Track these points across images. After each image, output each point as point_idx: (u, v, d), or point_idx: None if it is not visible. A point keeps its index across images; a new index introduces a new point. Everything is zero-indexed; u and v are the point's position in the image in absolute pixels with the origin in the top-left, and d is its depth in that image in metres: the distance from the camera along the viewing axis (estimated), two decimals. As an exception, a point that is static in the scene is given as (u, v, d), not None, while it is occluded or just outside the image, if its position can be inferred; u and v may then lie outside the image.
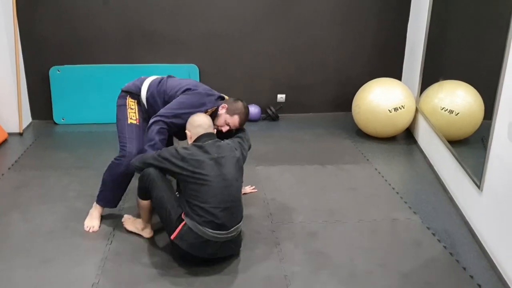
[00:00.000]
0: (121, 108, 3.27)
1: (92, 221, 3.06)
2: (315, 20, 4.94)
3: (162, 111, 2.97)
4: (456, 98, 3.82)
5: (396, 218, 3.20)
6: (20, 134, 4.64)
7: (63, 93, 4.86)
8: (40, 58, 4.79)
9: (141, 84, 3.25)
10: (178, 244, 2.56)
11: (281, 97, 5.19)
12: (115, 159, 3.06)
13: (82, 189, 3.54)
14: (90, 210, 3.11)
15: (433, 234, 3.01)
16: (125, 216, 3.09)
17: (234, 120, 3.00)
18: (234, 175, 2.65)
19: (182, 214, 2.58)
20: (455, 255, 2.82)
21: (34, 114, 4.97)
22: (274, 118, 5.08)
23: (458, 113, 3.70)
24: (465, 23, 3.78)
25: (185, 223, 2.55)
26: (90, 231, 3.00)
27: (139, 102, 3.21)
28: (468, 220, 3.13)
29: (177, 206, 2.61)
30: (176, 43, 4.89)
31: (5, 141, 4.45)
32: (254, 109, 5.03)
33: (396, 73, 5.04)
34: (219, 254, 2.65)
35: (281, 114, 5.18)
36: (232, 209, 2.60)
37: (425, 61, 4.40)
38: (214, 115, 3.04)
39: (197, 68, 4.95)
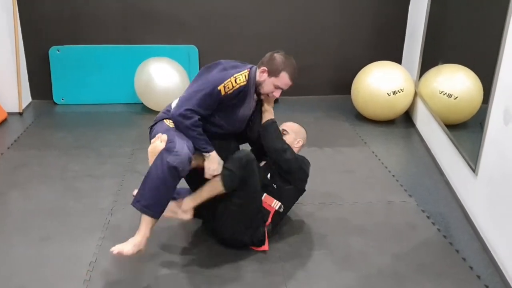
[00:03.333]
0: (157, 125, 2.61)
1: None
2: (315, 1, 4.91)
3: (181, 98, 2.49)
4: (455, 82, 3.82)
5: (391, 201, 3.22)
6: (20, 113, 4.65)
7: (63, 73, 4.86)
8: (39, 37, 4.78)
9: (170, 106, 2.68)
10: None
11: (280, 79, 5.17)
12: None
13: (81, 168, 3.57)
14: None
15: (428, 217, 3.04)
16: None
17: (283, 79, 2.56)
18: None
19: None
20: (448, 237, 2.85)
21: (34, 94, 4.97)
22: (273, 100, 5.07)
23: (456, 97, 3.70)
24: (465, 7, 3.75)
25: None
26: None
27: None
28: (463, 204, 3.15)
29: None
30: (175, 24, 4.88)
31: (4, 120, 4.46)
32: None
33: (396, 56, 5.02)
34: None
35: (280, 97, 5.14)
36: None
37: (425, 44, 4.38)
38: (258, 85, 2.60)
39: (197, 49, 4.93)
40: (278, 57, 2.58)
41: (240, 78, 2.48)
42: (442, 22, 4.14)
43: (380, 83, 4.39)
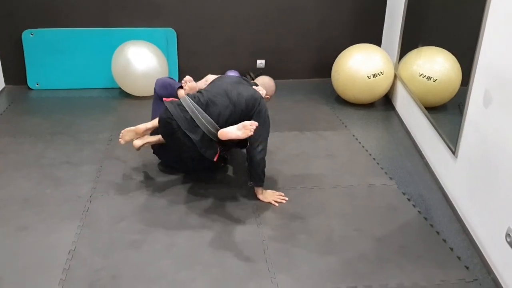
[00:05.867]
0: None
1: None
2: (295, -17, 4.86)
3: None
4: (435, 65, 3.83)
5: (372, 184, 3.24)
6: (-7, 99, 4.53)
7: (37, 57, 4.73)
8: (12, 21, 4.64)
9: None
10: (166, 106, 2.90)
11: (260, 62, 5.14)
12: None
13: (58, 155, 3.49)
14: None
15: (408, 199, 3.07)
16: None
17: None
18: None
19: None
20: (429, 219, 2.88)
21: (7, 79, 4.84)
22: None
23: (436, 80, 3.71)
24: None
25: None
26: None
27: None
28: (443, 186, 3.18)
29: None
30: (153, 6, 4.77)
31: (-23, 106, 4.35)
32: (233, 75, 4.98)
33: (376, 39, 5.02)
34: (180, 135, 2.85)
35: (261, 80, 5.13)
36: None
37: (404, 27, 4.38)
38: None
39: (175, 32, 4.85)
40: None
41: None
42: (422, 4, 4.13)
43: (360, 66, 4.38)
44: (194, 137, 2.82)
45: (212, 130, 2.85)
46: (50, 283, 2.29)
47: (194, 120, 2.82)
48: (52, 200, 2.95)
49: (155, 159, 3.41)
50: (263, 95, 3.08)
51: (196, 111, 2.84)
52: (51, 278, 2.32)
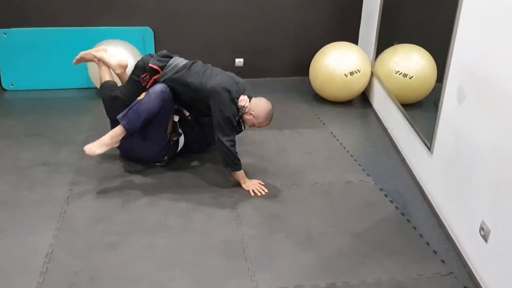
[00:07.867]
0: None
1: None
2: (272, -18, 4.87)
3: None
4: (410, 62, 3.88)
5: (350, 181, 3.27)
6: (-34, 101, 4.45)
7: (11, 57, 4.65)
8: (-16, 20, 4.56)
9: None
10: None
11: (239, 61, 5.14)
12: None
13: (33, 157, 3.45)
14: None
15: (386, 195, 3.11)
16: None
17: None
18: None
19: None
20: (406, 215, 2.92)
21: (-19, 80, 4.76)
22: (231, 82, 5.04)
23: (412, 77, 3.76)
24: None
25: None
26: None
27: None
28: (419, 181, 3.23)
29: None
30: (129, 4, 4.73)
31: (-50, 108, 4.26)
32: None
33: (352, 37, 5.06)
34: None
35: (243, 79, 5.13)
36: None
37: (380, 25, 4.43)
38: None
39: (152, 31, 4.82)
40: None
41: None
42: (398, 2, 4.18)
43: (337, 64, 4.41)
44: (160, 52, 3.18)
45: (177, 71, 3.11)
46: (27, 287, 2.26)
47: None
48: (29, 203, 2.91)
49: (132, 160, 3.40)
50: (244, 106, 3.07)
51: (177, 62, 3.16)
52: (28, 281, 2.29)
